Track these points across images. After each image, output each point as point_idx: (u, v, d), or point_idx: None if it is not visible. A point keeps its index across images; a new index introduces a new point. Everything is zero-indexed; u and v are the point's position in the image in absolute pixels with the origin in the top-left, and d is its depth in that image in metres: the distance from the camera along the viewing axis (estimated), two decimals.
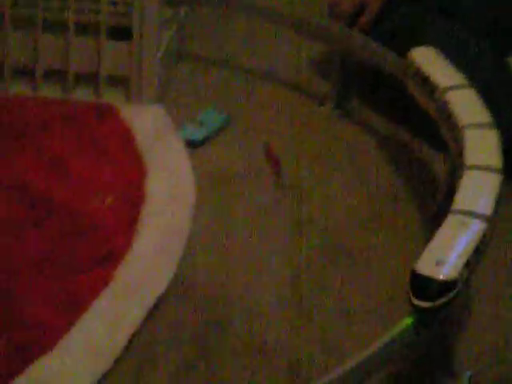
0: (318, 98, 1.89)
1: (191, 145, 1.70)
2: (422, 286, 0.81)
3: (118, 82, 1.80)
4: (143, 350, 1.26)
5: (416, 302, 0.82)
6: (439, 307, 0.81)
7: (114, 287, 1.34)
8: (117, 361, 1.23)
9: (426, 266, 0.82)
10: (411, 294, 0.83)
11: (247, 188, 1.62)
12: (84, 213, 1.51)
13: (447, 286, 0.80)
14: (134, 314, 1.30)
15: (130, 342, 1.26)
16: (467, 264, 0.86)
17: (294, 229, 1.53)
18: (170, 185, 1.57)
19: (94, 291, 1.34)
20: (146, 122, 1.74)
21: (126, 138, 1.71)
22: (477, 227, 0.92)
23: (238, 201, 1.58)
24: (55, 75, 1.82)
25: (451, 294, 0.81)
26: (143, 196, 1.53)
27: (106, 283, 1.35)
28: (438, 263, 0.84)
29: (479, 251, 0.91)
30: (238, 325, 1.31)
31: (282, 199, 1.59)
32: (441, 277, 0.81)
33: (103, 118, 1.77)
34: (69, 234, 1.46)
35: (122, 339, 1.26)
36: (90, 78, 1.81)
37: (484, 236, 0.93)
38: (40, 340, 1.25)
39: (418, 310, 0.82)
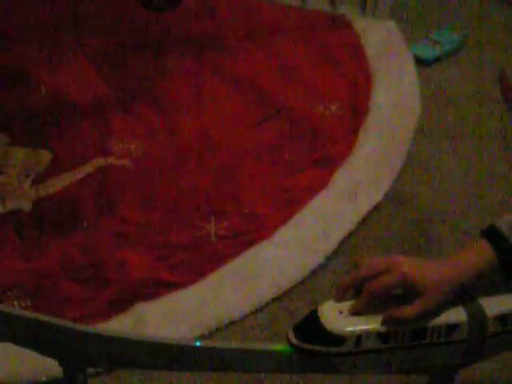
0: None
1: (421, 62, 1.68)
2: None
3: None
4: (351, 253, 1.28)
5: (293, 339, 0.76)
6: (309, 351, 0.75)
7: (331, 189, 1.36)
8: (328, 258, 1.26)
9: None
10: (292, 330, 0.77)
11: (473, 112, 1.57)
12: (308, 117, 1.53)
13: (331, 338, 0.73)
14: (348, 218, 1.31)
15: (341, 243, 1.29)
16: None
17: None
18: (397, 98, 1.55)
19: (311, 191, 1.37)
20: (378, 36, 1.73)
21: (356, 49, 1.71)
22: None
23: (462, 126, 1.54)
24: None
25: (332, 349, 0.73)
26: (368, 106, 1.53)
27: (323, 185, 1.37)
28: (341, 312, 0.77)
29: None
30: (447, 245, 1.30)
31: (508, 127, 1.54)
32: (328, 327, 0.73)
33: (335, 28, 1.78)
34: (291, 135, 1.49)
35: (334, 239, 1.28)
36: None
37: None
38: (257, 229, 1.30)
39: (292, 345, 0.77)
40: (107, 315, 1.16)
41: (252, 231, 1.29)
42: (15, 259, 1.27)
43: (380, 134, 1.47)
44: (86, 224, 1.31)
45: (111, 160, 1.43)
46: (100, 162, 1.44)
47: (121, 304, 1.18)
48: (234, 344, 0.78)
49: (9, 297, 1.20)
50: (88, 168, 1.42)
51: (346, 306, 0.75)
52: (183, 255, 1.26)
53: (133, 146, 1.46)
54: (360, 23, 1.77)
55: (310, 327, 0.75)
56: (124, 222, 1.31)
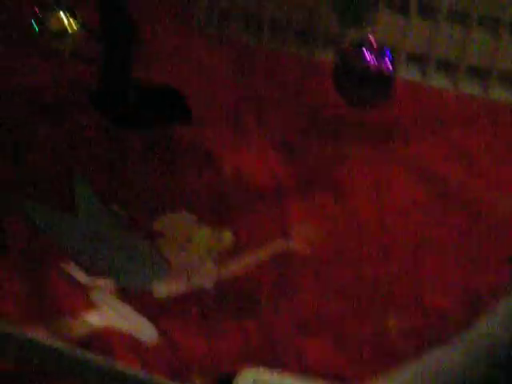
0: None
1: None
2: None
3: None
4: None
5: None
6: None
7: None
8: None
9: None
10: None
11: None
12: (493, 211, 1.50)
13: None
14: None
15: None
16: None
17: None
18: None
19: (496, 292, 1.33)
20: None
21: None
22: None
23: None
24: (475, 72, 1.82)
25: None
26: None
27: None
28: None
29: None
30: None
31: None
32: None
33: None
34: (476, 229, 1.46)
35: None
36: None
37: None
38: (438, 329, 1.27)
39: None
40: None
41: (433, 329, 1.26)
42: (197, 337, 1.30)
43: None
44: (264, 309, 1.33)
45: (291, 244, 1.45)
46: (280, 245, 1.46)
47: None
48: None
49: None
50: (268, 251, 1.45)
51: None
52: (362, 349, 1.25)
53: (311, 232, 1.47)
54: None
55: None
56: (303, 310, 1.32)
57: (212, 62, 1.78)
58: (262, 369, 0.78)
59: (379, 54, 1.56)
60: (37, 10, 1.49)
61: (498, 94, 1.80)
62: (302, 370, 1.20)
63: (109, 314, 1.32)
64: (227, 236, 1.49)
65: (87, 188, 1.49)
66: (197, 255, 1.43)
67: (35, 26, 1.47)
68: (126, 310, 1.33)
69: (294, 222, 1.49)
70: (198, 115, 1.71)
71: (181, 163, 1.62)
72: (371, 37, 1.54)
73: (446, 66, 1.83)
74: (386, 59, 1.59)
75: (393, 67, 1.59)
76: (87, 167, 1.54)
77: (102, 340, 1.28)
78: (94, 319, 1.32)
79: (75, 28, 1.45)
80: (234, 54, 1.80)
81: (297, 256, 1.41)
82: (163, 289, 1.37)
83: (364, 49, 1.54)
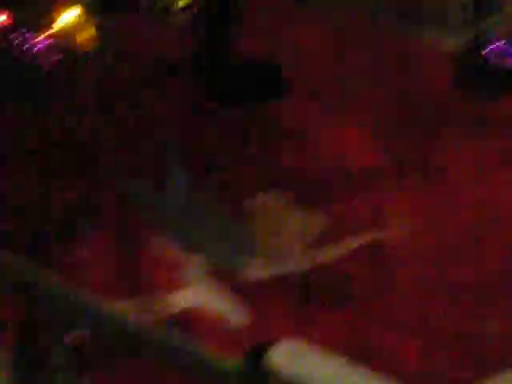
0: None
1: None
2: None
3: None
4: None
5: None
6: None
7: None
8: None
9: None
10: None
11: None
12: None
13: None
14: None
15: None
16: None
17: None
18: None
19: None
20: None
21: None
22: None
23: None
24: None
25: None
26: None
27: None
28: None
29: None
30: None
31: None
32: None
33: None
34: None
35: None
36: None
37: None
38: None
39: None
40: None
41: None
42: (285, 320, 1.28)
43: None
44: (355, 300, 1.30)
45: (385, 233, 1.42)
46: (374, 233, 1.42)
47: None
48: None
49: None
50: (362, 239, 1.42)
51: None
52: (462, 347, 1.21)
53: (408, 222, 1.44)
54: None
55: None
56: (396, 306, 1.29)
57: (311, 38, 1.74)
58: (300, 341, 0.79)
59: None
60: None
61: None
62: (394, 369, 1.17)
63: (200, 292, 1.32)
64: (320, 221, 1.46)
65: (180, 165, 1.49)
66: (288, 239, 1.41)
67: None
68: (217, 290, 1.33)
69: (391, 211, 1.46)
70: (297, 92, 1.69)
71: (276, 142, 1.60)
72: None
73: None
74: None
75: None
76: (181, 143, 1.54)
77: (190, 318, 1.28)
78: (186, 296, 1.32)
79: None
80: (334, 29, 1.76)
81: (391, 247, 1.38)
82: (253, 271, 1.36)
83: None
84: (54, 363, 1.07)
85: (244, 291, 1.33)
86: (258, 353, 0.88)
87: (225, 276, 1.35)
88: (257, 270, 1.36)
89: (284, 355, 0.90)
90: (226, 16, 1.55)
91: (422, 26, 1.74)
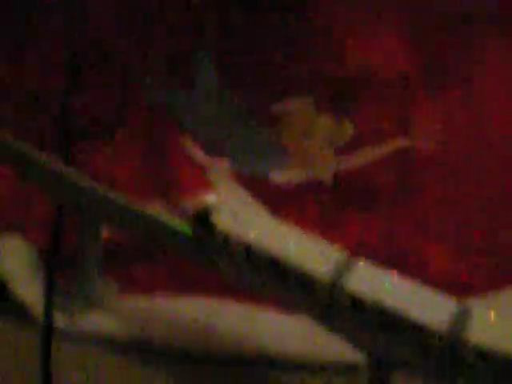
0: None
1: None
2: None
3: None
4: None
5: None
6: None
7: None
8: None
9: None
10: None
11: None
12: None
13: None
14: None
15: None
16: None
17: None
18: None
19: None
20: None
21: None
22: None
23: None
24: None
25: None
26: None
27: None
28: None
29: None
30: None
31: None
32: None
33: None
34: None
35: None
36: None
37: None
38: None
39: None
40: None
41: None
42: (312, 226, 1.28)
43: None
44: (384, 206, 1.30)
45: (414, 142, 1.40)
46: (403, 141, 1.41)
47: None
48: None
49: None
50: (390, 146, 1.40)
51: None
52: (483, 258, 1.22)
53: (436, 132, 1.42)
54: None
55: None
56: (424, 213, 1.29)
57: None
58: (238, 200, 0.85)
59: None
60: None
61: None
62: (421, 274, 1.17)
63: (226, 196, 1.32)
64: (348, 127, 1.44)
65: (209, 66, 1.46)
66: (316, 145, 1.40)
67: None
68: (243, 195, 1.32)
69: (419, 120, 1.43)
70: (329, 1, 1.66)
71: (305, 47, 1.57)
72: None
73: None
74: None
75: None
76: (211, 45, 1.51)
77: None
78: (211, 199, 1.31)
79: None
80: None
81: (419, 156, 1.37)
82: (281, 177, 1.35)
83: None
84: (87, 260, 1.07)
85: (270, 196, 1.33)
86: (202, 216, 0.91)
87: (250, 181, 1.34)
88: (284, 176, 1.35)
89: (227, 216, 0.92)
90: None
91: None
